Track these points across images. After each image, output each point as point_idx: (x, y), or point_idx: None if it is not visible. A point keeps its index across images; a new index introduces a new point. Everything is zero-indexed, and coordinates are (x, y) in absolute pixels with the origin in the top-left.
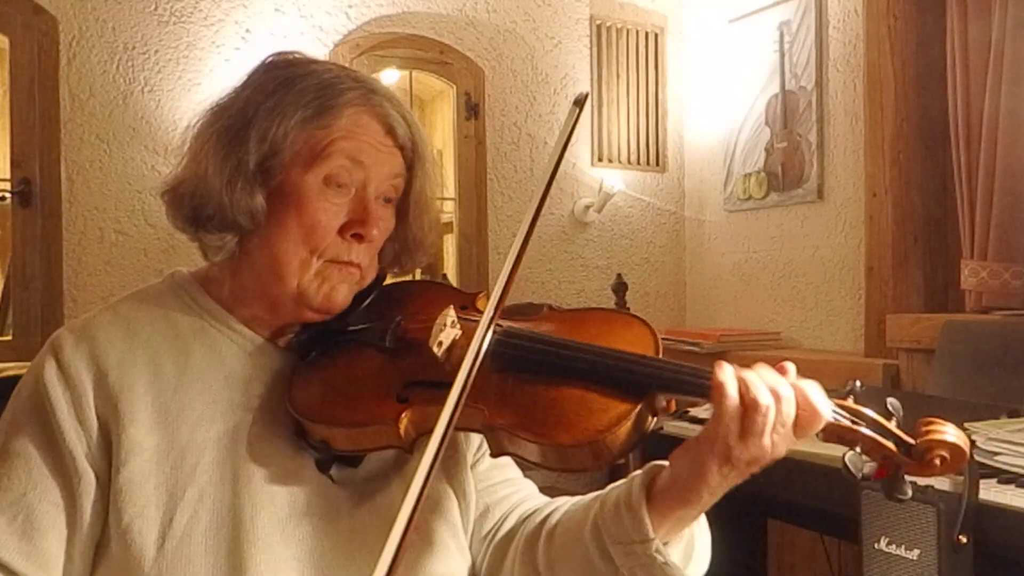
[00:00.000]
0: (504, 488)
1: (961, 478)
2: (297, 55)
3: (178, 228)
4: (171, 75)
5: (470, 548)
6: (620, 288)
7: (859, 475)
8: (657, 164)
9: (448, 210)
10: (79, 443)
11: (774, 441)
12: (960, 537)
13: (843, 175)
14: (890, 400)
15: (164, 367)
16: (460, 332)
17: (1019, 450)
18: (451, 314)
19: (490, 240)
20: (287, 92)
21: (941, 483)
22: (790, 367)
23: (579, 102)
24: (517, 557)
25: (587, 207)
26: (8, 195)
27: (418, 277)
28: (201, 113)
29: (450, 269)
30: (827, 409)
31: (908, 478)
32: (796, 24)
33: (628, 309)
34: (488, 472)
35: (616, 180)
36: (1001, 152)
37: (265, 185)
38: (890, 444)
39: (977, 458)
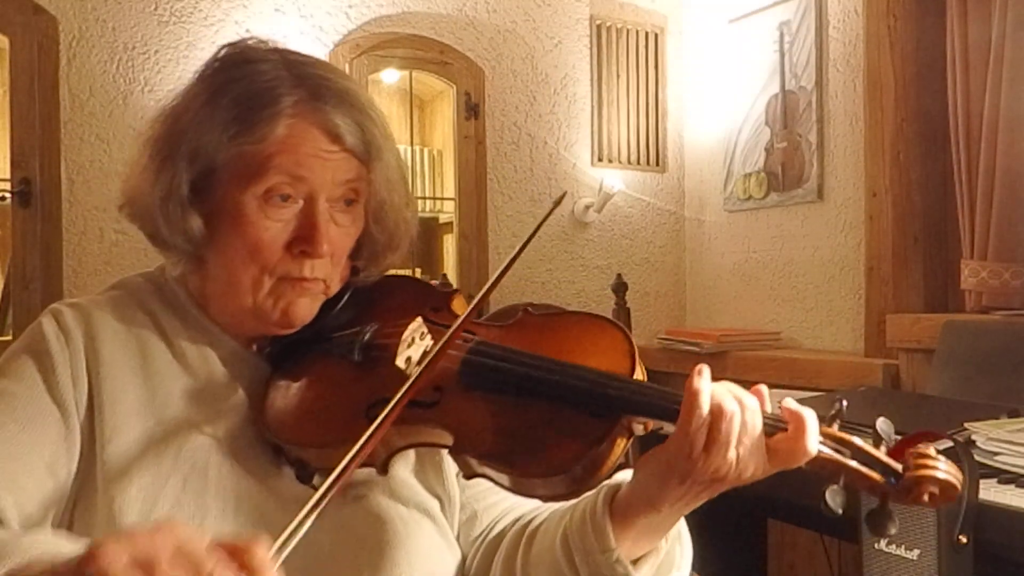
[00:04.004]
0: (493, 495)
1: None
2: (250, 45)
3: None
4: (171, 75)
5: (460, 544)
6: (620, 288)
7: (839, 512)
8: (657, 164)
9: (448, 210)
10: (71, 394)
11: (739, 455)
12: (960, 537)
13: (843, 175)
14: (880, 422)
15: (152, 357)
16: (431, 342)
17: (1019, 450)
18: (418, 327)
19: (490, 240)
20: (217, 104)
21: None
22: (764, 390)
23: (557, 201)
24: (500, 560)
25: (587, 207)
26: (8, 195)
27: (418, 275)
28: (151, 119)
29: (450, 269)
30: (815, 442)
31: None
32: (796, 24)
33: (628, 309)
34: (476, 480)
35: (616, 180)
36: (1001, 152)
37: (203, 205)
38: (877, 475)
39: (977, 458)
